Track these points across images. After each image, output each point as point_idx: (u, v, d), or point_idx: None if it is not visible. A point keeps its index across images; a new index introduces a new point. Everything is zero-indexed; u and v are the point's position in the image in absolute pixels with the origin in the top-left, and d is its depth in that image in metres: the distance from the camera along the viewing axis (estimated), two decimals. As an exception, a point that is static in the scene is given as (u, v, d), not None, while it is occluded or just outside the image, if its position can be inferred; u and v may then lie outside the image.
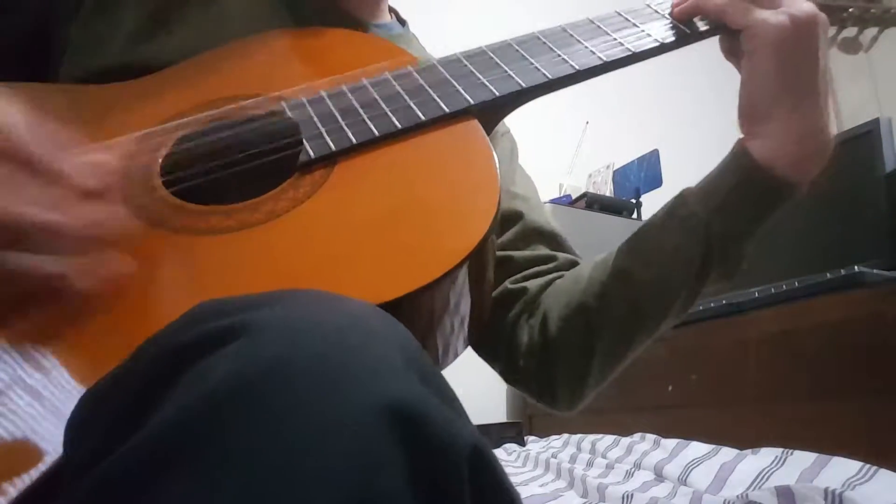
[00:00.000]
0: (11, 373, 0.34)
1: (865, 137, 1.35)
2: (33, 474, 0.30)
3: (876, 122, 1.34)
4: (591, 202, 2.11)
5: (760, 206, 0.54)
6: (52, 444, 0.31)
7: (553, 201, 2.19)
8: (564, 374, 0.62)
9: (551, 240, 0.68)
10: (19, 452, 0.31)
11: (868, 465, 0.69)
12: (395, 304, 0.37)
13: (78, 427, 0.29)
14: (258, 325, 0.26)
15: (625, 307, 0.58)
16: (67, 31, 0.58)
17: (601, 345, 0.60)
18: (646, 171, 2.19)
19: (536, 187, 0.73)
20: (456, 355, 0.51)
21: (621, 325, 0.59)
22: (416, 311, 0.39)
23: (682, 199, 0.56)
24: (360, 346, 0.26)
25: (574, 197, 2.22)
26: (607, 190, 2.36)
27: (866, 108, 2.31)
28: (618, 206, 2.13)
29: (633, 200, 2.14)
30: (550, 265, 0.66)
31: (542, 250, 0.67)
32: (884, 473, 0.67)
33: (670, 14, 0.59)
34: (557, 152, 2.39)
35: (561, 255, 0.67)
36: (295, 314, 0.27)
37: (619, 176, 2.34)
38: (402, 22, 0.74)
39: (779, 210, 0.54)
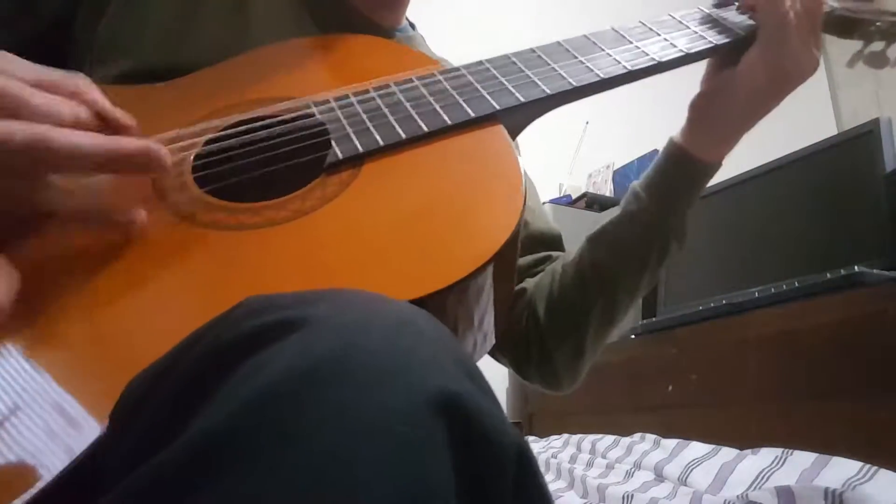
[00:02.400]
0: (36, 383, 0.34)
1: (865, 137, 1.35)
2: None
3: (876, 122, 1.34)
4: (591, 202, 2.11)
5: (698, 188, 0.65)
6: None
7: (553, 201, 2.19)
8: (563, 358, 0.68)
9: (551, 243, 0.74)
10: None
11: (868, 465, 0.69)
12: (422, 301, 0.37)
13: (124, 417, 0.29)
14: (314, 320, 0.27)
15: (600, 292, 0.66)
16: (90, 33, 0.59)
17: (589, 325, 0.67)
18: (646, 171, 2.19)
19: (537, 189, 0.77)
20: (483, 353, 0.52)
21: (602, 307, 0.66)
22: (441, 308, 0.40)
23: (635, 195, 0.65)
24: (412, 345, 0.27)
25: (574, 197, 2.22)
26: (607, 190, 2.37)
27: (866, 108, 2.31)
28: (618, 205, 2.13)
29: (633, 200, 2.14)
30: (546, 264, 0.72)
31: (542, 253, 0.73)
32: (884, 473, 0.68)
33: (697, 19, 0.62)
34: (557, 152, 2.39)
35: (555, 253, 0.73)
36: (348, 312, 0.28)
37: (619, 176, 2.34)
38: (412, 26, 0.76)
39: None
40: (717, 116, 0.63)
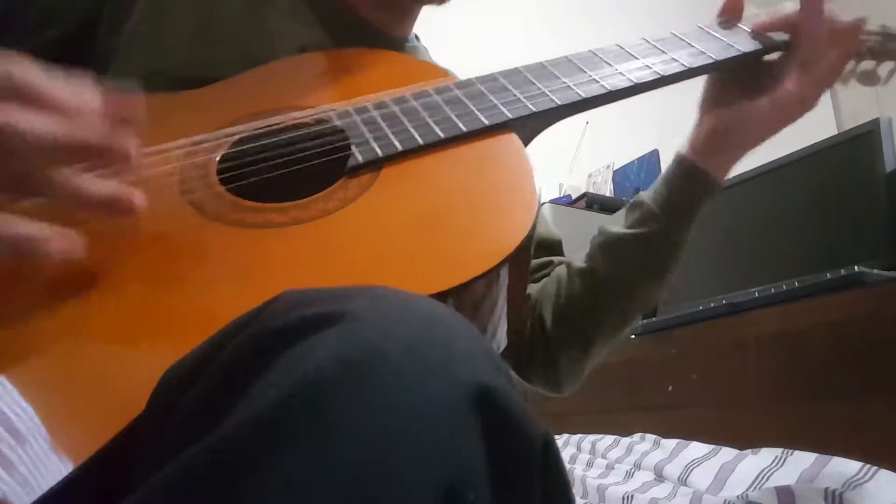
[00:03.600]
0: None
1: (865, 137, 1.35)
2: None
3: (876, 122, 1.34)
4: (591, 202, 2.11)
5: (703, 203, 0.66)
6: None
7: (553, 201, 2.19)
8: (567, 364, 0.69)
9: (551, 248, 0.75)
10: None
11: (868, 465, 0.69)
12: (440, 297, 0.39)
13: (162, 407, 0.30)
14: (354, 314, 0.28)
15: (615, 305, 0.67)
16: (115, 37, 0.60)
17: (597, 336, 0.68)
18: (646, 171, 2.19)
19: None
20: (499, 349, 0.53)
21: (614, 318, 0.67)
22: (460, 304, 0.41)
23: (652, 215, 0.65)
24: (447, 339, 0.28)
25: (574, 197, 2.22)
26: (607, 190, 2.37)
27: (866, 108, 2.31)
28: (618, 206, 2.13)
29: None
30: (548, 269, 0.73)
31: (544, 258, 0.74)
32: (884, 473, 0.67)
33: (698, 37, 0.64)
34: (557, 152, 2.39)
35: (556, 258, 0.75)
36: (384, 308, 0.29)
37: (619, 176, 2.34)
38: (416, 37, 0.78)
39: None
40: (741, 141, 0.64)
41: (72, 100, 0.39)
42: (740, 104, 0.63)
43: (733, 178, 1.59)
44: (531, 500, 0.27)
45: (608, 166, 2.42)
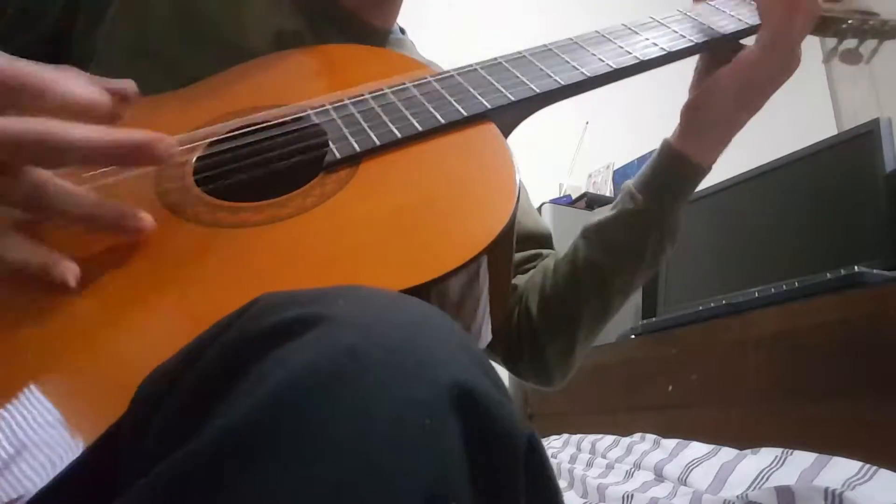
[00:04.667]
0: None
1: (865, 137, 1.35)
2: None
3: (876, 122, 1.34)
4: (591, 202, 2.11)
5: (692, 187, 0.66)
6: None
7: (553, 201, 2.19)
8: (554, 355, 0.69)
9: (539, 240, 0.75)
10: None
11: (868, 465, 0.69)
12: (419, 290, 0.39)
13: (141, 414, 0.29)
14: (334, 317, 0.27)
15: (594, 290, 0.67)
16: (89, 41, 0.59)
17: (581, 323, 0.68)
18: (646, 171, 2.19)
19: (537, 190, 0.76)
20: (483, 344, 0.53)
21: (595, 304, 0.67)
22: (439, 297, 0.41)
23: (630, 195, 0.66)
24: (429, 340, 0.28)
25: (574, 197, 2.22)
26: (607, 190, 2.37)
27: (866, 108, 2.31)
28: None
29: (633, 200, 2.13)
30: (536, 262, 0.73)
31: (531, 250, 0.74)
32: (884, 473, 0.67)
33: (678, 20, 0.64)
34: (557, 152, 2.39)
35: (545, 251, 0.75)
36: (365, 309, 0.28)
37: (619, 176, 2.34)
38: (402, 31, 0.77)
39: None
40: (710, 117, 0.64)
41: (88, 97, 0.38)
42: (706, 78, 0.64)
43: (733, 178, 1.59)
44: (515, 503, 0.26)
45: (608, 166, 2.42)
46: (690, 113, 0.65)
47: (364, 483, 0.23)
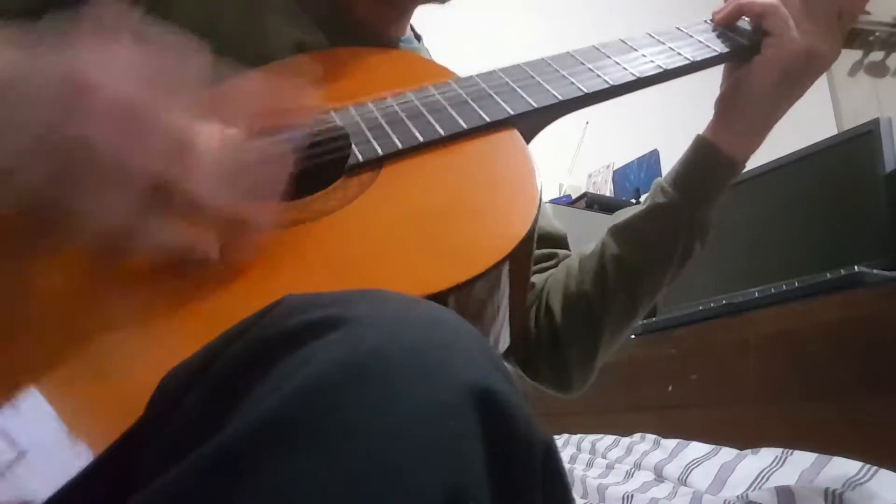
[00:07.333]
0: None
1: (865, 137, 1.35)
2: None
3: (876, 122, 1.33)
4: (591, 202, 2.11)
5: (724, 184, 0.65)
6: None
7: (553, 201, 2.19)
8: (576, 357, 0.67)
9: (557, 241, 0.74)
10: None
11: (868, 465, 0.69)
12: (442, 296, 0.39)
13: (161, 412, 0.30)
14: (356, 318, 0.28)
15: (623, 288, 0.65)
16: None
17: (606, 323, 0.66)
18: (646, 171, 2.19)
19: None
20: (503, 348, 0.53)
21: (622, 304, 0.65)
22: (461, 302, 0.41)
23: (661, 189, 0.65)
24: (449, 342, 0.28)
25: (574, 197, 2.22)
26: (607, 190, 2.37)
27: (866, 108, 2.31)
28: (618, 206, 2.12)
29: (633, 200, 2.14)
30: (552, 261, 0.72)
31: (548, 249, 0.73)
32: (884, 473, 0.67)
33: (703, 30, 0.64)
34: (557, 152, 2.39)
35: (561, 252, 0.74)
36: (387, 311, 0.29)
37: (619, 176, 2.34)
38: (418, 37, 0.77)
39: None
40: (741, 110, 0.63)
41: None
42: (734, 72, 0.64)
43: (733, 178, 1.59)
44: None
45: (608, 166, 2.42)
46: (723, 104, 0.65)
47: (386, 477, 0.23)
